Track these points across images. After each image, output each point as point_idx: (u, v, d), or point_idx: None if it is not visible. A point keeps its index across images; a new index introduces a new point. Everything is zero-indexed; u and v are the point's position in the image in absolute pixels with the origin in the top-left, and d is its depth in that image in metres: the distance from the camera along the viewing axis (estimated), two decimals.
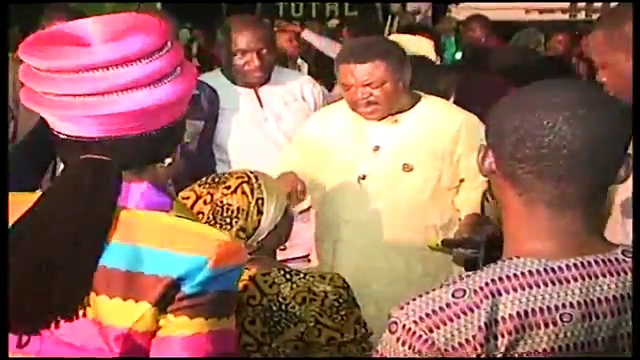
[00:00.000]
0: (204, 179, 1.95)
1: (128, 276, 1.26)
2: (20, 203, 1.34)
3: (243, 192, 1.87)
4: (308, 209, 3.05)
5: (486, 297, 1.17)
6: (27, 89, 1.33)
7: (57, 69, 1.26)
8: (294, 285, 1.85)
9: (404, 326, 1.18)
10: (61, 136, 1.32)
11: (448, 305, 1.17)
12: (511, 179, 1.23)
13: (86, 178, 1.29)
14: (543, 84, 1.26)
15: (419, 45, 3.96)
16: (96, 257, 1.27)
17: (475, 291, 1.17)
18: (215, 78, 3.30)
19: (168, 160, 1.38)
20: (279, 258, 2.12)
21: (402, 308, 1.20)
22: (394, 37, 4.12)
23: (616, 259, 1.22)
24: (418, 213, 2.73)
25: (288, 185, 2.61)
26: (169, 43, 1.32)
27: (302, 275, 1.89)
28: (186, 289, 1.25)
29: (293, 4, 14.87)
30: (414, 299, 1.20)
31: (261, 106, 3.22)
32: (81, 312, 1.27)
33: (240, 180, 1.89)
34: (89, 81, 1.25)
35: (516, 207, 1.25)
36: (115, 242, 1.29)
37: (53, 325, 1.27)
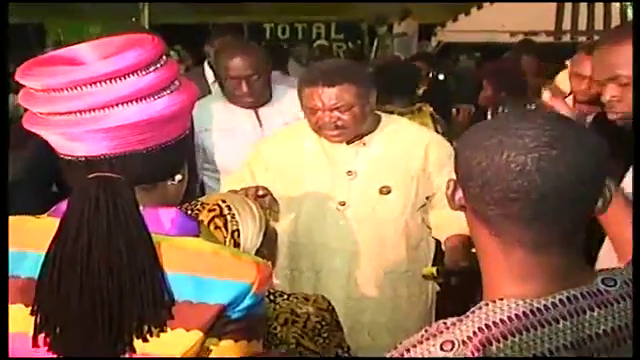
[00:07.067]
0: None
1: (176, 305, 1.25)
2: (34, 226, 1.32)
3: (216, 227, 1.75)
4: None
5: (477, 349, 1.09)
6: (28, 113, 1.31)
7: (52, 87, 1.25)
8: (277, 306, 1.84)
9: None
10: (67, 158, 1.30)
11: None
12: (482, 219, 1.18)
13: (100, 197, 1.25)
14: (508, 118, 1.18)
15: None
16: (166, 290, 1.25)
17: (464, 342, 1.10)
18: (216, 97, 3.29)
19: (178, 177, 1.36)
20: None
21: None
22: None
23: (598, 290, 1.16)
24: (401, 235, 2.67)
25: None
26: (164, 57, 1.31)
27: (286, 296, 1.87)
28: (232, 314, 1.25)
29: (280, 26, 14.97)
30: (402, 355, 1.13)
31: (260, 126, 3.19)
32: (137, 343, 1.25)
33: (212, 214, 1.77)
34: (85, 96, 1.24)
35: (491, 248, 1.19)
36: None
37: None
